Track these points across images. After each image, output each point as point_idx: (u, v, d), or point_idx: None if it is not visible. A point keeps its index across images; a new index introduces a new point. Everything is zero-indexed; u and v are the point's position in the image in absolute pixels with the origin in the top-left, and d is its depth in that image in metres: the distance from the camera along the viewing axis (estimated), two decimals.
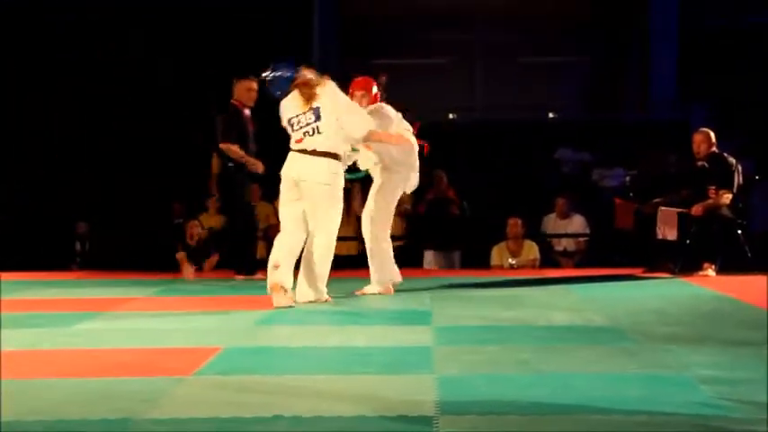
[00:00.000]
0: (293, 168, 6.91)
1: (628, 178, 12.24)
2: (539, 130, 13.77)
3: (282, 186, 6.98)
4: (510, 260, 10.52)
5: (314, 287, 6.97)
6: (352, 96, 7.26)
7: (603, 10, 14.83)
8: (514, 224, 10.60)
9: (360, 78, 7.47)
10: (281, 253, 6.83)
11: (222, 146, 8.60)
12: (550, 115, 14.84)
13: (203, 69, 12.96)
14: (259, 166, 8.61)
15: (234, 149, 8.55)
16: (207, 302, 7.29)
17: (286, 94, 6.99)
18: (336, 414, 3.87)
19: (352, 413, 3.88)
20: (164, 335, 5.71)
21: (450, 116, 14.97)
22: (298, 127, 6.92)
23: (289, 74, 7.00)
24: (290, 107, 6.97)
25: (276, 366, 4.90)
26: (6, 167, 13.24)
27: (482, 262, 10.83)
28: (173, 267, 9.58)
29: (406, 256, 10.62)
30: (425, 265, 11.02)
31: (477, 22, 14.96)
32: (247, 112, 8.69)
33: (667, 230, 8.59)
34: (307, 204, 6.88)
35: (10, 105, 13.58)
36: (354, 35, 14.67)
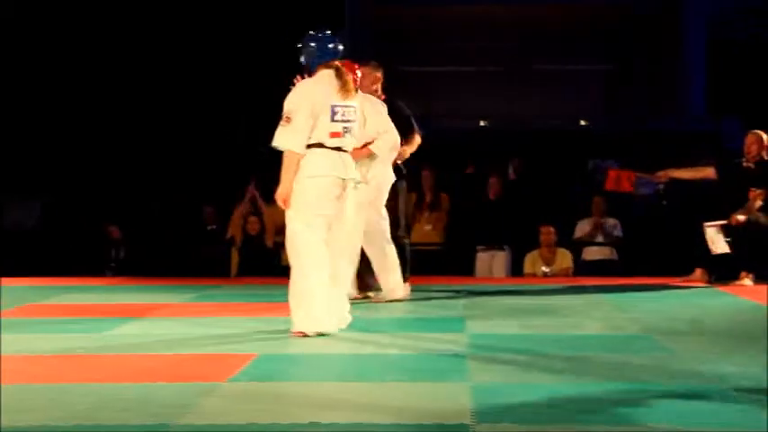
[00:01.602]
0: (338, 167, 5.97)
1: (661, 187, 12.17)
2: (570, 137, 13.74)
3: (319, 193, 5.93)
4: (543, 268, 10.49)
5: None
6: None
7: (634, 19, 14.78)
8: (547, 232, 10.57)
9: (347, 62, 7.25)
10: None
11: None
12: (582, 123, 14.81)
13: (237, 73, 13.04)
14: None
15: None
16: (242, 308, 7.31)
17: (308, 71, 6.13)
18: (373, 422, 3.87)
19: (388, 420, 3.87)
20: (198, 341, 5.73)
21: (482, 123, 14.97)
22: (339, 118, 5.93)
23: (332, 48, 6.14)
24: (328, 92, 5.93)
25: (311, 374, 4.91)
26: (41, 173, 13.36)
27: (515, 270, 10.83)
28: (206, 272, 9.62)
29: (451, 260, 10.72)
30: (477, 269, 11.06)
31: (506, 29, 14.97)
32: None
33: (718, 245, 8.51)
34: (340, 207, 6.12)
35: (43, 111, 13.71)
36: (385, 44, 14.71)
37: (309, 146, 5.85)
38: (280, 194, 5.86)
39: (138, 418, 3.97)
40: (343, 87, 5.95)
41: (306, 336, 5.81)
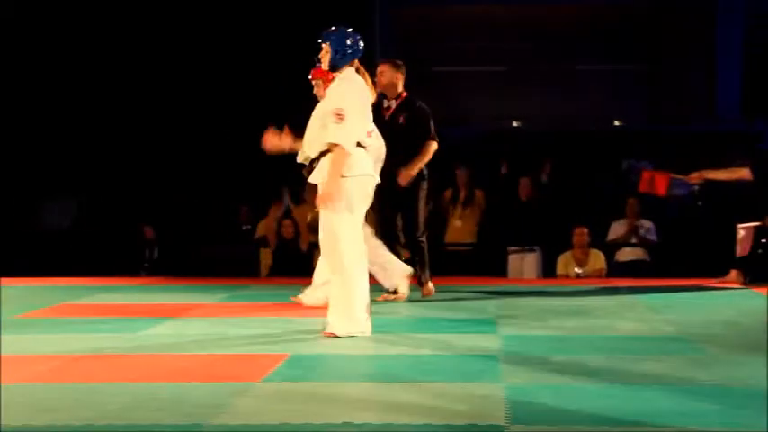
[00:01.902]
0: (372, 167, 6.09)
1: (696, 188, 12.07)
2: (603, 138, 13.67)
3: (363, 192, 5.92)
4: (576, 269, 10.44)
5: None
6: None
7: (667, 18, 14.68)
8: (581, 233, 10.52)
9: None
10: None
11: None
12: (615, 123, 14.72)
13: (266, 72, 13.08)
14: None
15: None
16: (274, 309, 7.32)
17: (333, 68, 5.98)
18: (405, 422, 3.86)
19: (420, 421, 3.87)
20: (231, 341, 5.74)
21: (515, 124, 14.93)
22: (369, 120, 6.11)
23: (360, 46, 6.02)
24: (367, 92, 6.02)
25: (343, 374, 4.90)
26: (77, 173, 13.47)
27: (548, 271, 10.79)
28: (237, 272, 9.65)
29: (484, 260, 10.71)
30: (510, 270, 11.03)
31: (540, 29, 14.91)
32: (388, 103, 7.70)
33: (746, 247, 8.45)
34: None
35: (79, 111, 13.82)
36: (415, 44, 14.70)
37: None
38: (327, 193, 5.74)
39: (172, 418, 3.99)
40: (370, 87, 6.10)
41: (336, 336, 5.80)
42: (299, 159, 6.46)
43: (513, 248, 11.12)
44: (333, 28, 5.99)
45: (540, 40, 14.87)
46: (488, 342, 5.73)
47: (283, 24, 13.55)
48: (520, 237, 11.07)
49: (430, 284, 7.73)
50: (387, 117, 7.60)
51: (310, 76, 7.11)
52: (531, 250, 11.06)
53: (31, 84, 13.66)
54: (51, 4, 13.67)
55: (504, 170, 12.50)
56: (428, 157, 7.57)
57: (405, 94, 7.64)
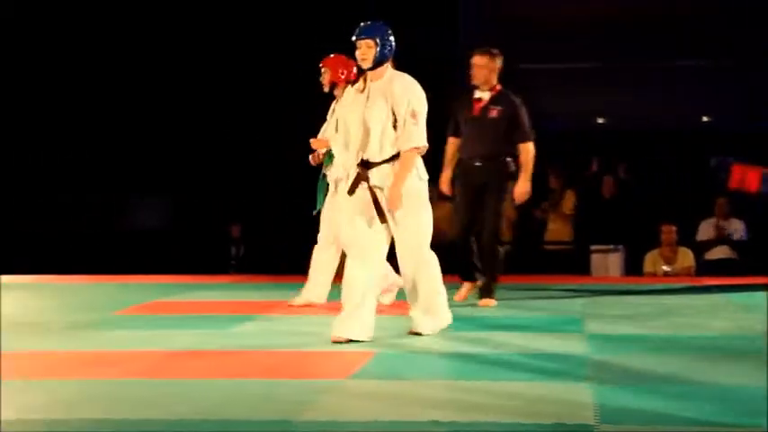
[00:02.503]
0: None
1: None
2: (692, 135, 13.45)
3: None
4: (664, 267, 10.32)
5: None
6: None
7: (759, 11, 14.37)
8: (669, 231, 10.40)
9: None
10: None
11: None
12: (704, 119, 14.47)
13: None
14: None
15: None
16: None
17: (375, 65, 5.71)
18: (492, 420, 3.87)
19: (507, 419, 3.88)
20: (318, 338, 5.81)
21: (600, 121, 14.77)
22: None
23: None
24: None
25: (430, 371, 4.93)
26: (167, 173, 13.73)
27: (633, 269, 10.68)
28: None
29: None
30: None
31: (625, 24, 14.72)
32: (480, 94, 7.31)
33: None
34: None
35: (169, 112, 14.08)
36: (500, 40, 14.64)
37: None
38: (398, 195, 5.66)
39: (262, 414, 4.06)
40: None
41: (421, 335, 5.82)
42: (339, 152, 5.93)
43: (595, 247, 11.02)
44: (369, 23, 5.72)
45: (627, 36, 14.68)
46: (575, 341, 5.70)
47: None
48: (603, 235, 10.98)
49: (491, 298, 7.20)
50: (477, 110, 7.23)
51: (321, 64, 7.03)
52: (616, 249, 10.95)
53: (124, 85, 13.97)
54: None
55: (594, 168, 12.36)
56: (531, 163, 7.16)
57: (499, 86, 7.26)
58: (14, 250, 12.41)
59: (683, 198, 12.15)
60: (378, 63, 5.66)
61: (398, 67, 5.78)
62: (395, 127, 5.63)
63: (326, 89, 7.13)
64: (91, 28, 13.77)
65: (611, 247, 11.00)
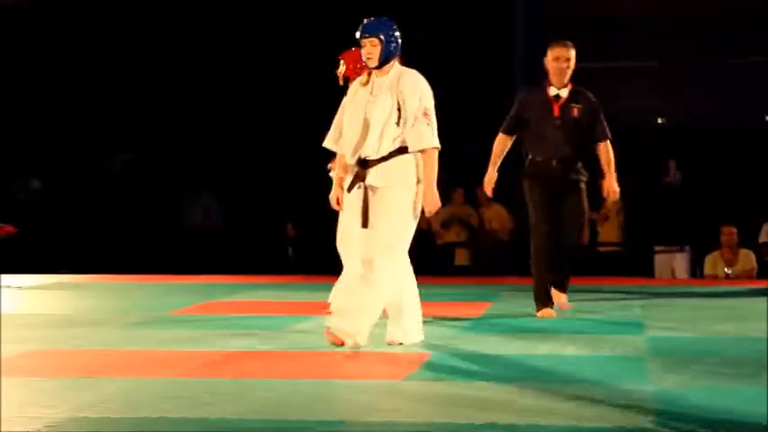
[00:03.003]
0: None
1: None
2: (753, 134, 13.23)
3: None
4: (725, 269, 10.16)
5: None
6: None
7: None
8: (729, 233, 10.23)
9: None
10: None
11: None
12: (766, 118, 14.22)
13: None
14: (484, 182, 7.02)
15: (495, 143, 6.97)
16: None
17: (381, 63, 5.48)
18: (551, 423, 3.81)
19: (567, 423, 3.81)
20: (372, 339, 5.78)
21: (660, 120, 14.59)
22: None
23: None
24: None
25: (486, 373, 4.87)
26: (224, 173, 13.81)
27: (696, 271, 10.54)
28: None
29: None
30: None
31: (684, 21, 14.53)
32: (557, 92, 6.87)
33: None
34: None
35: (224, 114, 14.16)
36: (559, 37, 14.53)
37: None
38: (434, 200, 5.40)
39: (317, 415, 4.03)
40: None
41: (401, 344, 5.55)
42: (330, 146, 5.77)
43: (660, 248, 10.86)
44: (372, 19, 5.49)
45: (688, 33, 14.48)
46: (635, 343, 5.61)
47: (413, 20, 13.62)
48: (667, 235, 10.83)
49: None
50: (558, 109, 6.77)
51: (340, 56, 6.80)
52: (682, 250, 10.79)
53: (178, 88, 14.08)
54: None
55: (672, 170, 11.96)
56: (613, 160, 6.83)
57: (571, 83, 6.85)
58: (74, 250, 12.58)
59: (744, 199, 11.94)
60: (384, 61, 5.44)
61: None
62: (397, 123, 5.38)
63: (341, 82, 7.07)
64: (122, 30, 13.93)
65: (677, 247, 10.83)
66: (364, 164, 5.43)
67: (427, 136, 5.36)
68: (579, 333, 6.05)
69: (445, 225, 11.91)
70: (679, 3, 14.34)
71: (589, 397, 4.25)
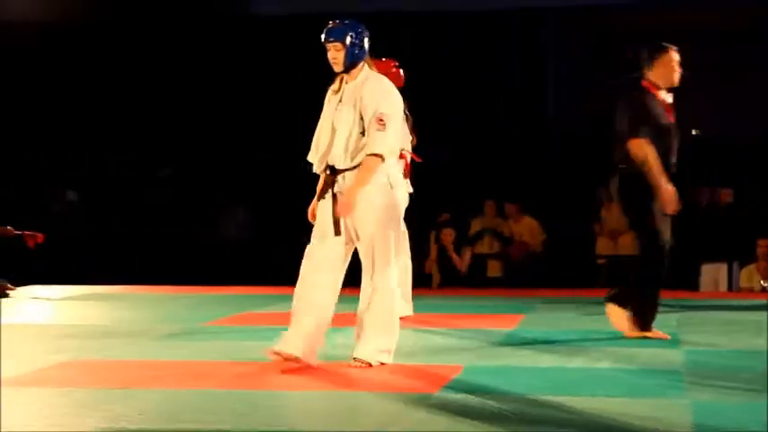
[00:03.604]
0: None
1: None
2: None
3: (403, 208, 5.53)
4: (762, 282, 10.07)
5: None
6: None
7: None
8: (765, 245, 10.14)
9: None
10: None
11: (632, 143, 6.19)
12: None
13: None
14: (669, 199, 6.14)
15: (647, 151, 6.15)
16: (448, 319, 7.33)
17: (347, 66, 5.34)
18: None
19: None
20: (406, 351, 5.76)
21: (693, 132, 14.48)
22: None
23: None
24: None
25: (520, 386, 4.84)
26: (252, 185, 13.86)
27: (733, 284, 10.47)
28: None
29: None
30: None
31: (719, 35, 14.45)
32: (665, 96, 6.40)
33: None
34: None
35: (253, 127, 14.23)
36: (593, 51, 14.48)
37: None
38: (348, 203, 5.19)
39: (352, 426, 4.03)
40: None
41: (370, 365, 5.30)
42: (313, 160, 5.48)
43: (705, 261, 10.77)
44: (337, 22, 5.33)
45: (719, 45, 14.40)
46: (670, 356, 5.57)
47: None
48: (710, 248, 10.74)
49: None
50: (672, 115, 6.32)
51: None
52: (724, 262, 10.72)
53: (208, 102, 14.17)
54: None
55: (726, 196, 11.71)
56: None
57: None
58: (109, 261, 12.67)
59: None
60: (350, 65, 5.27)
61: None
62: (363, 133, 5.20)
63: None
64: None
65: (724, 261, 10.74)
66: (333, 171, 5.29)
67: (376, 142, 5.16)
68: (613, 346, 6.00)
69: (477, 237, 11.91)
70: (714, 17, 14.27)
71: (625, 411, 4.22)
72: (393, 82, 6.77)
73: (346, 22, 5.31)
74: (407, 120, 7.12)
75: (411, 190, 7.20)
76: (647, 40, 6.62)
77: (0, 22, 13.07)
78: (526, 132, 13.57)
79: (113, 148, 14.24)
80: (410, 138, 7.23)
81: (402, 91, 7.02)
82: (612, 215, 11.00)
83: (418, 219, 12.19)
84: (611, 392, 4.60)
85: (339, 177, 5.27)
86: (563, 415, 4.16)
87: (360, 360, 5.31)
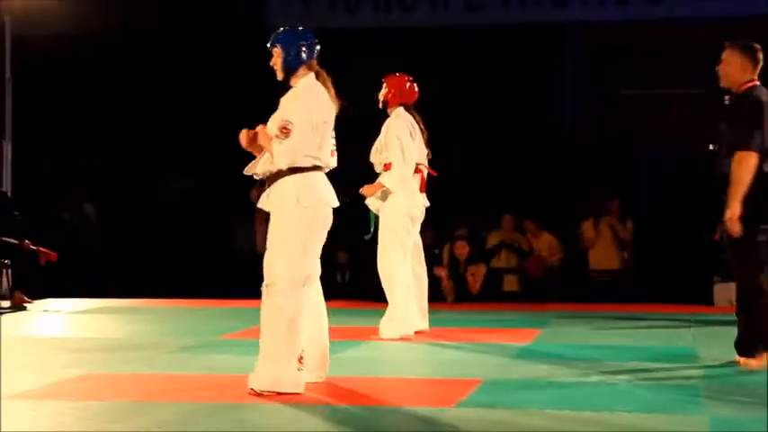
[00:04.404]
0: (332, 193, 5.24)
1: None
2: None
3: (314, 223, 5.18)
4: None
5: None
6: None
7: None
8: None
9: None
10: None
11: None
12: None
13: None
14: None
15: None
16: (465, 334, 7.32)
17: (287, 73, 5.22)
18: None
19: None
20: (423, 364, 5.77)
21: (711, 147, 14.43)
22: (333, 134, 5.27)
23: (317, 46, 5.25)
24: (327, 101, 5.16)
25: (538, 400, 4.83)
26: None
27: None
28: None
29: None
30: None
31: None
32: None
33: None
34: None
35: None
36: (607, 65, 14.46)
37: (307, 168, 5.02)
38: (251, 133, 5.04)
39: None
40: (334, 96, 5.17)
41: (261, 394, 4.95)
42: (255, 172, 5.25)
43: (718, 278, 10.71)
44: (281, 29, 5.23)
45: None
46: (687, 371, 5.55)
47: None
48: (722, 264, 10.68)
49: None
50: None
51: (384, 78, 7.08)
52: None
53: (223, 115, 14.19)
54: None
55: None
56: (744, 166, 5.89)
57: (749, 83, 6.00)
58: (123, 273, 12.69)
59: None
60: (286, 72, 5.14)
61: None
62: None
63: (380, 105, 7.16)
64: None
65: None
66: (264, 182, 5.16)
67: (276, 154, 5.00)
68: (631, 361, 5.99)
69: (494, 251, 11.89)
70: (726, 30, 14.24)
71: (643, 425, 4.21)
72: (406, 97, 6.86)
73: (290, 29, 5.21)
74: (423, 134, 7.16)
75: (428, 204, 7.22)
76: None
77: (17, 35, 13.13)
78: (543, 144, 13.55)
79: (124, 155, 14.28)
80: (426, 152, 7.25)
81: (416, 106, 7.11)
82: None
83: (434, 232, 12.25)
84: (630, 407, 4.58)
85: (268, 189, 5.11)
86: (581, 429, 4.15)
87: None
